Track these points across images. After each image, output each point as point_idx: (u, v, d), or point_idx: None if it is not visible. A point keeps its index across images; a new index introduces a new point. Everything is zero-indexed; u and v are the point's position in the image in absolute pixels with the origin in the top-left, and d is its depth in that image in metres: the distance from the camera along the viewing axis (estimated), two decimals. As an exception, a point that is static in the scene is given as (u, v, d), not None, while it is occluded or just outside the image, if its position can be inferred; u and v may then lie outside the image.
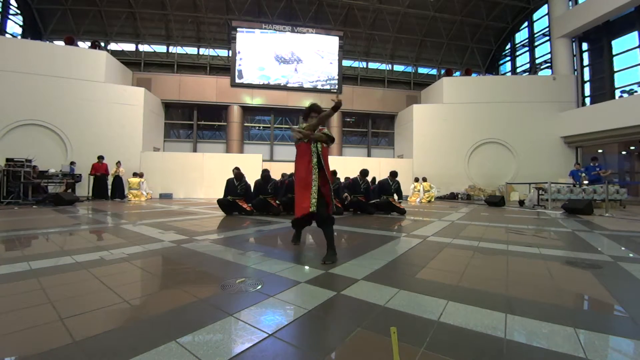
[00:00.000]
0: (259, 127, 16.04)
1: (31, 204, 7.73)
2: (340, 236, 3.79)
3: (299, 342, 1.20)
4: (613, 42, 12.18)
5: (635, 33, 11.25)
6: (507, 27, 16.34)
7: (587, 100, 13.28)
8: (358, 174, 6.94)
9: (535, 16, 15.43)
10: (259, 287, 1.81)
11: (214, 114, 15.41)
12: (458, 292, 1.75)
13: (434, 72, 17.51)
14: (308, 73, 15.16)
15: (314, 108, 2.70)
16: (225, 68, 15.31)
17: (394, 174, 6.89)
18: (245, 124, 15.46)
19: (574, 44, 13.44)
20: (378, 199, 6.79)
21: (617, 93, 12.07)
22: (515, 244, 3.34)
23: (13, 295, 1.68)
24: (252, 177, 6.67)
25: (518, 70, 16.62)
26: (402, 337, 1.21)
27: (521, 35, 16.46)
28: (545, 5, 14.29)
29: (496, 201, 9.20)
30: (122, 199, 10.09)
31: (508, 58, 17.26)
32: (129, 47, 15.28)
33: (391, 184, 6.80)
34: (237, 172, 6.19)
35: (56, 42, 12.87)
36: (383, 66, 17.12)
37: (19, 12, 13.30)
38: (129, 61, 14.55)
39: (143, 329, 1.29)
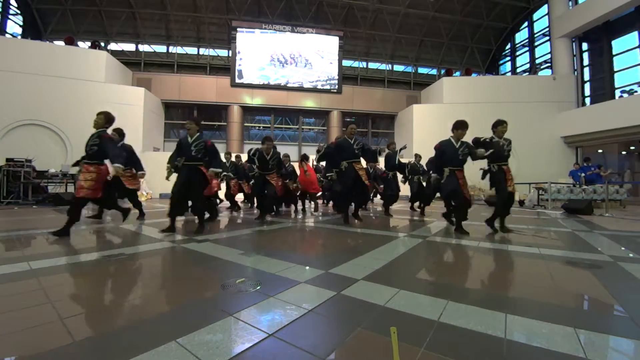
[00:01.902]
0: (259, 127, 16.04)
1: (31, 204, 7.73)
2: (341, 236, 3.79)
3: (299, 342, 1.20)
4: (613, 42, 12.19)
5: (635, 33, 11.25)
6: (507, 27, 16.34)
7: (587, 100, 13.28)
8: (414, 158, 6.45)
9: (535, 16, 15.43)
10: (259, 287, 1.81)
11: (214, 114, 15.42)
12: (458, 292, 1.75)
13: (434, 72, 17.51)
14: (308, 73, 15.16)
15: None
16: (225, 68, 15.31)
17: (461, 124, 3.99)
18: (245, 124, 15.46)
19: (574, 44, 13.44)
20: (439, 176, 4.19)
21: (617, 93, 12.07)
22: (515, 244, 3.33)
23: (13, 295, 1.68)
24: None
25: (518, 70, 16.62)
26: (402, 337, 1.21)
27: (521, 35, 16.47)
28: (545, 5, 14.29)
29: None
30: (122, 198, 10.09)
31: (508, 58, 17.25)
32: (129, 47, 15.28)
33: (458, 148, 3.98)
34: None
35: (56, 42, 12.86)
36: (383, 66, 17.12)
37: (19, 12, 13.30)
38: (129, 61, 14.55)
39: (143, 329, 1.29)
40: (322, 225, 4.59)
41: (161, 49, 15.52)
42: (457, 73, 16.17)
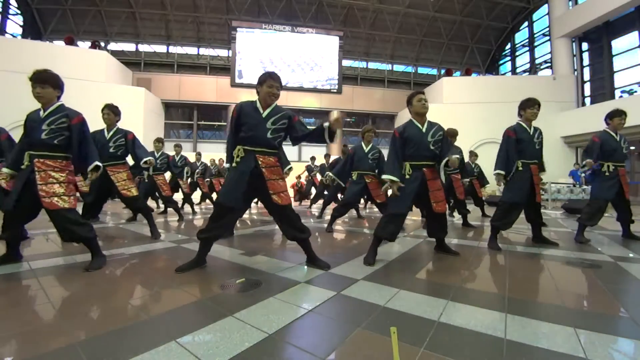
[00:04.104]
0: (259, 127, 16.03)
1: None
2: (340, 236, 3.79)
3: (299, 342, 1.20)
4: (613, 42, 12.19)
5: (636, 33, 11.25)
6: (507, 27, 16.35)
7: (587, 100, 13.28)
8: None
9: (535, 16, 15.44)
10: (259, 287, 1.81)
11: (214, 114, 15.42)
12: (458, 292, 1.75)
13: (434, 72, 17.51)
14: (308, 73, 15.16)
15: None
16: (225, 68, 15.32)
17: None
18: (245, 124, 15.45)
19: (574, 44, 13.45)
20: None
21: (617, 93, 12.07)
22: (515, 244, 3.34)
23: (13, 295, 1.68)
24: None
25: (518, 70, 16.63)
26: (402, 337, 1.21)
27: (521, 35, 16.48)
28: (545, 5, 14.30)
29: (496, 201, 9.18)
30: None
31: (508, 58, 17.26)
32: (129, 47, 15.29)
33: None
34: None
35: (56, 42, 12.87)
36: (383, 66, 17.12)
37: (19, 12, 13.31)
38: (129, 61, 14.56)
39: (143, 329, 1.29)
40: (322, 226, 4.58)
41: (161, 49, 15.53)
42: (457, 73, 16.18)
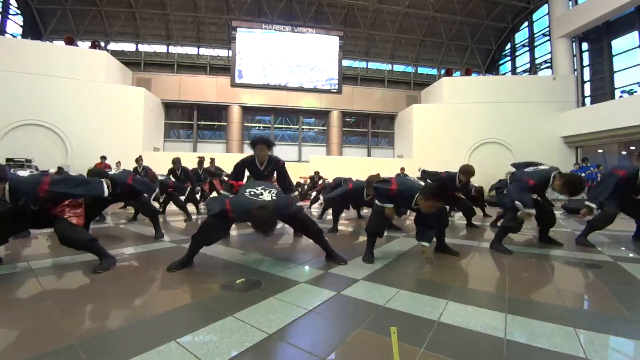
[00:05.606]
0: (259, 127, 16.04)
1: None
2: (341, 236, 3.79)
3: (299, 342, 1.20)
4: (613, 42, 12.18)
5: (636, 33, 11.24)
6: (507, 27, 16.33)
7: (587, 100, 13.27)
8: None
9: (535, 16, 15.42)
10: (259, 287, 1.81)
11: (214, 114, 15.42)
12: (458, 292, 1.75)
13: (434, 72, 17.50)
14: (308, 73, 15.16)
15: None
16: (225, 68, 15.31)
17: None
18: (245, 124, 15.46)
19: (574, 44, 13.44)
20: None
21: (617, 93, 12.07)
22: (515, 244, 3.34)
23: (13, 295, 1.68)
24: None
25: (518, 70, 16.62)
26: (402, 337, 1.21)
27: (521, 35, 16.47)
28: (545, 5, 14.29)
29: (496, 201, 9.20)
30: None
31: (508, 58, 17.25)
32: (129, 47, 15.28)
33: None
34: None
35: (56, 42, 12.87)
36: (383, 66, 17.11)
37: (19, 12, 13.30)
38: (129, 61, 14.54)
39: (143, 329, 1.29)
40: (322, 226, 4.58)
41: (161, 49, 15.51)
42: (457, 73, 16.17)
